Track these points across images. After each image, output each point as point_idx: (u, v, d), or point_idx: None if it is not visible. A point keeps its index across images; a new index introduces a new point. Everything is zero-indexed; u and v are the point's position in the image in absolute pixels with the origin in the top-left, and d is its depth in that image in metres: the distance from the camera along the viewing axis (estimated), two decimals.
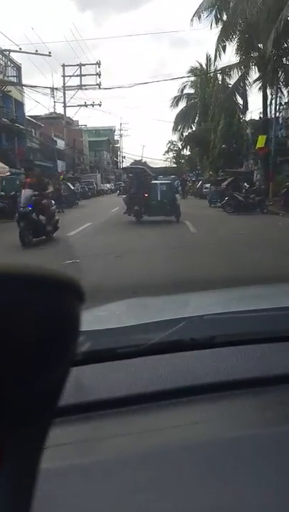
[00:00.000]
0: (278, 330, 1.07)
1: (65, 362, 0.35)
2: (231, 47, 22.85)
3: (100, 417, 0.78)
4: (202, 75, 38.63)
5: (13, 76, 32.22)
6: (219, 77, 27.64)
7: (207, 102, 35.58)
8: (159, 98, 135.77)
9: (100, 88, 40.86)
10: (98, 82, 40.28)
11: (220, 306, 1.49)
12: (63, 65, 42.01)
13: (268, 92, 22.67)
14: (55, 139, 43.80)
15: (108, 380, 0.88)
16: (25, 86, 33.58)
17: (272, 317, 1.14)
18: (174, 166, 62.41)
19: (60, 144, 43.97)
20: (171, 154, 65.77)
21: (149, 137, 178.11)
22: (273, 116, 23.27)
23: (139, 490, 0.60)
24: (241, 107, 27.01)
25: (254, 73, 23.25)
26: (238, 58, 23.06)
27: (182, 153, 52.30)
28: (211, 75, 35.04)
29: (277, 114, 23.83)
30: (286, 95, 23.02)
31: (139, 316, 1.38)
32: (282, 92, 22.65)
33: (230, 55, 32.52)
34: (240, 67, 23.47)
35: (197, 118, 40.59)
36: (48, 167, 37.32)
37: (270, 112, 23.39)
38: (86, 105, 43.53)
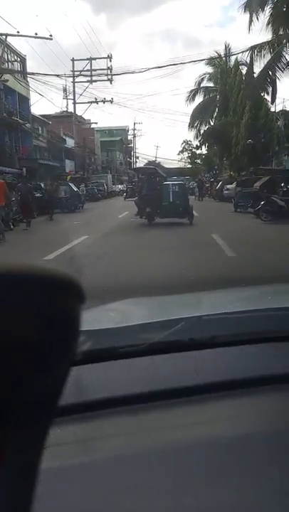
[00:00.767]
0: (278, 330, 1.06)
1: (66, 362, 0.35)
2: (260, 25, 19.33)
3: (100, 416, 0.78)
4: (222, 63, 35.10)
5: (12, 61, 28.97)
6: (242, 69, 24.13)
7: (228, 94, 32.07)
8: (173, 95, 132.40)
9: (110, 83, 38.88)
10: (109, 77, 38.35)
11: (219, 306, 1.49)
12: (72, 59, 39.93)
13: None
14: (64, 137, 41.26)
15: (108, 380, 0.89)
16: (27, 74, 30.42)
17: (271, 317, 1.15)
18: (189, 166, 59.78)
19: (70, 142, 41.59)
20: (186, 154, 63.05)
21: (164, 137, 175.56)
22: None
23: (139, 490, 0.61)
24: (270, 96, 23.27)
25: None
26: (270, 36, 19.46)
27: (199, 151, 48.63)
28: (233, 61, 31.53)
29: None
30: None
31: (139, 316, 1.40)
32: None
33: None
34: (272, 47, 19.84)
35: (216, 112, 36.96)
36: (55, 166, 34.43)
37: None
38: (97, 101, 41.70)
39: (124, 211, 17.89)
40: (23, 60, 34.16)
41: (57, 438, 0.63)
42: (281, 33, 18.79)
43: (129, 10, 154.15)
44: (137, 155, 71.53)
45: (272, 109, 26.24)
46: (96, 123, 52.88)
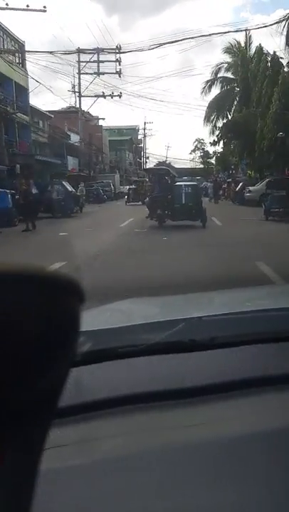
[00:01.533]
0: (278, 330, 1.07)
1: (65, 362, 0.35)
2: None
3: (100, 417, 0.78)
4: (243, 50, 31.24)
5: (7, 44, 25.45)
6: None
7: (251, 82, 28.19)
8: (186, 90, 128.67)
9: (119, 76, 35.70)
10: (118, 70, 35.24)
11: (219, 307, 1.49)
12: (78, 49, 36.59)
13: None
14: (68, 133, 37.56)
15: (108, 380, 0.89)
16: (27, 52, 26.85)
17: (271, 317, 1.15)
18: (201, 166, 56.26)
19: (75, 139, 37.89)
20: (198, 153, 59.45)
21: (175, 136, 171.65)
22: None
23: (139, 490, 0.62)
24: None
25: None
26: None
27: (214, 148, 44.68)
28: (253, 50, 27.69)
29: None
30: None
31: (139, 316, 1.40)
32: None
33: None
34: None
35: (236, 104, 33.06)
36: (54, 164, 30.80)
37: None
38: (104, 96, 38.43)
39: (129, 217, 15.61)
40: (21, 46, 30.84)
41: (57, 438, 0.63)
42: None
43: (141, 11, 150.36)
44: (147, 155, 68.57)
45: None
46: (103, 119, 49.53)
